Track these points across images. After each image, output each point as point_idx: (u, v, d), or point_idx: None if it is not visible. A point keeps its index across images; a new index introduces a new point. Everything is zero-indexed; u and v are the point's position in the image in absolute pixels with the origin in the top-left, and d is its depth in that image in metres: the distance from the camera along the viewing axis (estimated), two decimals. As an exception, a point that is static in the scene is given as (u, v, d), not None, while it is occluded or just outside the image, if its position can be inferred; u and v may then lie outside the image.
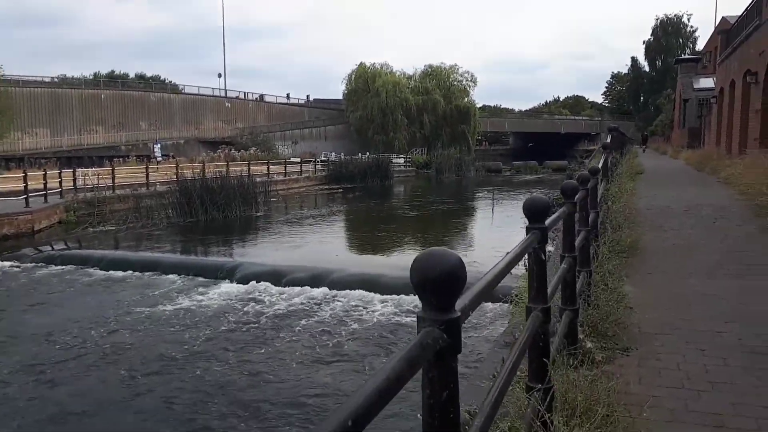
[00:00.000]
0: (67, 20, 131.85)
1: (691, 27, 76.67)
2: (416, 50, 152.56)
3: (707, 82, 37.09)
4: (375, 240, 17.70)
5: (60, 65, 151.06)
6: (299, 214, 24.03)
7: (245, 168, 32.37)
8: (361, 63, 67.02)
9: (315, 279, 12.02)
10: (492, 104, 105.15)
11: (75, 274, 13.13)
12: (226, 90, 67.63)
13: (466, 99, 69.74)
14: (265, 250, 15.83)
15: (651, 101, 74.23)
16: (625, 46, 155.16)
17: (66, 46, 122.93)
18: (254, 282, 12.03)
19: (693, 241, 7.23)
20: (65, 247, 15.58)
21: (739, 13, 20.40)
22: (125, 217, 20.24)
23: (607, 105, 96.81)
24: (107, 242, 17.00)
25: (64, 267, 13.75)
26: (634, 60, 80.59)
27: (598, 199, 6.80)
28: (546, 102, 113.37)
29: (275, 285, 11.89)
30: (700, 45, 66.24)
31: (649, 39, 77.60)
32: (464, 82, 70.06)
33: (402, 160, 55.28)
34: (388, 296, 10.84)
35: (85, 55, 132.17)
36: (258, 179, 31.89)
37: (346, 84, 67.85)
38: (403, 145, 64.43)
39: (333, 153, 55.63)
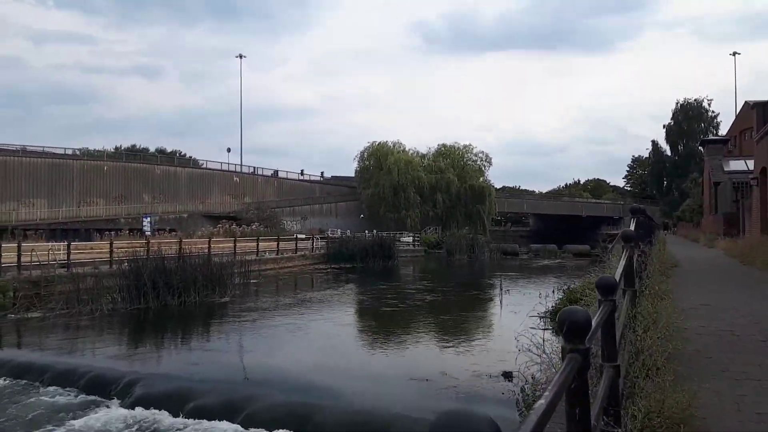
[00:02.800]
0: (102, 98, 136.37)
1: (712, 112, 74.90)
2: (429, 129, 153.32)
3: (739, 164, 34.06)
4: (345, 338, 14.38)
5: (91, 140, 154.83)
6: (274, 300, 20.83)
7: (230, 245, 29.72)
8: (373, 141, 65.94)
9: (229, 408, 8.77)
10: (511, 185, 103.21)
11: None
12: (241, 165, 66.60)
13: (480, 179, 67.66)
14: (195, 353, 12.63)
15: (675, 185, 71.39)
16: (643, 132, 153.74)
17: (99, 122, 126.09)
18: (144, 408, 8.82)
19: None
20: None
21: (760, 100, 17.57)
22: (66, 300, 17.32)
23: (629, 189, 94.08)
24: (10, 335, 13.99)
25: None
26: (655, 144, 78.51)
27: (619, 339, 3.67)
28: (566, 184, 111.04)
29: (173, 414, 8.67)
30: (723, 130, 64.09)
31: (670, 123, 75.86)
32: (479, 162, 68.30)
33: (411, 239, 52.29)
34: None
35: (115, 130, 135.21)
36: (249, 257, 29.25)
37: (358, 161, 66.58)
38: (415, 223, 61.94)
39: (339, 230, 53.07)
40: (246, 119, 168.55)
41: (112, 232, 41.88)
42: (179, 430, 8.09)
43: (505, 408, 7.59)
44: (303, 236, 43.89)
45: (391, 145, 66.24)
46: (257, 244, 31.65)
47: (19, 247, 19.70)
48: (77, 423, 8.31)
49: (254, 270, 26.49)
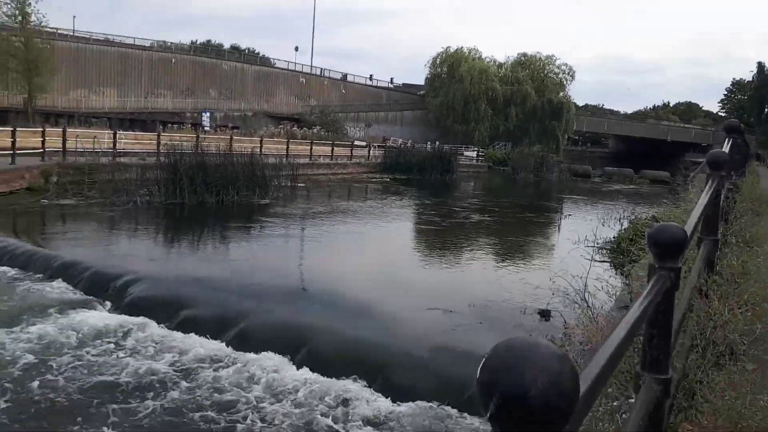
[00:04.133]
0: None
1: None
2: (510, 39, 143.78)
3: None
4: (373, 252, 13.24)
5: (172, 34, 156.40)
6: (315, 205, 19.90)
7: (283, 147, 28.85)
8: (447, 47, 61.96)
9: (220, 323, 7.87)
10: (593, 103, 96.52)
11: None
12: (311, 66, 64.68)
13: (561, 93, 62.96)
14: (209, 255, 11.88)
15: (778, 113, 64.11)
16: (750, 55, 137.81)
17: (176, 17, 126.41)
18: (133, 315, 8.07)
19: None
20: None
21: None
22: (101, 189, 17.04)
23: (723, 115, 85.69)
24: (35, 221, 13.71)
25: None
26: (761, 66, 69.84)
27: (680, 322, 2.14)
28: (654, 106, 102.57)
29: (159, 323, 7.86)
30: None
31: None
32: (560, 75, 63.23)
33: (474, 154, 49.90)
34: (322, 379, 6.49)
35: (195, 26, 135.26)
36: (302, 161, 28.44)
37: (429, 68, 63.15)
38: (483, 137, 59.07)
39: (400, 139, 51.31)
40: (322, 21, 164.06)
41: (175, 125, 42.08)
42: (156, 343, 7.27)
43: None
44: (363, 143, 42.61)
45: (467, 52, 62.12)
46: (311, 148, 30.61)
47: (64, 132, 19.45)
48: (61, 321, 7.67)
49: (303, 174, 25.63)
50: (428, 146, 42.81)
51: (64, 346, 6.93)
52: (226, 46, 76.17)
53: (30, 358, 6.54)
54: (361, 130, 60.05)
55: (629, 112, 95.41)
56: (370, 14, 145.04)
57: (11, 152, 16.84)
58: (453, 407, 6.04)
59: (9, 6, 34.44)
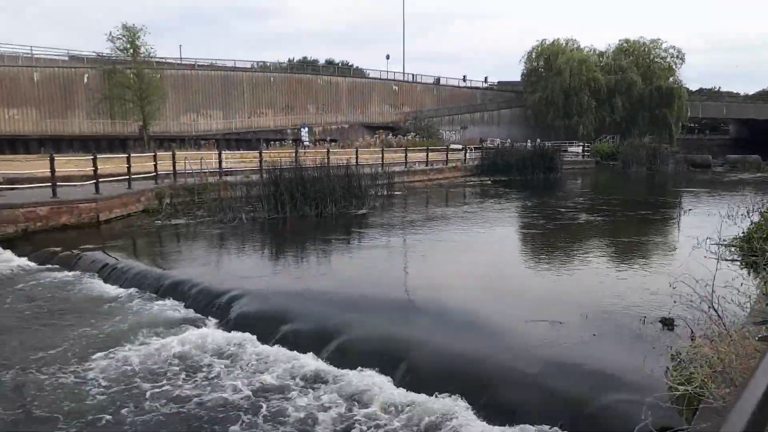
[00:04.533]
0: (277, 12, 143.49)
1: None
2: (611, 26, 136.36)
3: None
4: (475, 260, 12.70)
5: (268, 53, 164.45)
6: (412, 213, 19.63)
7: (377, 155, 28.96)
8: (543, 39, 59.86)
9: (319, 337, 7.76)
10: (707, 87, 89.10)
11: (66, 285, 10.55)
12: (403, 73, 65.03)
13: (670, 79, 58.79)
14: (310, 267, 11.90)
15: None
16: None
17: (274, 36, 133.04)
18: (236, 331, 8.17)
19: None
20: (94, 246, 13.26)
21: None
22: (209, 208, 17.87)
23: None
24: (151, 241, 14.50)
25: (68, 273, 11.37)
26: None
27: None
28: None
29: (261, 340, 7.88)
30: None
31: None
32: (668, 59, 59.08)
33: (579, 149, 47.56)
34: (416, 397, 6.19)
35: (287, 43, 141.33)
36: (397, 168, 28.45)
37: (525, 63, 61.36)
38: (588, 131, 56.42)
39: (498, 139, 50.07)
40: (412, 26, 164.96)
41: (277, 142, 43.79)
42: (257, 359, 7.26)
43: (649, 378, 5.48)
44: (459, 146, 42.03)
45: (564, 43, 59.73)
46: (405, 155, 30.52)
47: (173, 156, 20.63)
48: (168, 339, 7.90)
49: (399, 182, 25.56)
50: (528, 144, 41.39)
51: (169, 363, 7.10)
52: (322, 60, 78.70)
53: (139, 375, 6.75)
54: (456, 133, 59.42)
55: (750, 93, 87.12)
56: (460, 14, 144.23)
57: (127, 177, 18.09)
58: (565, 430, 5.47)
59: (121, 41, 37.47)
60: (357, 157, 26.41)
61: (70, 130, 43.47)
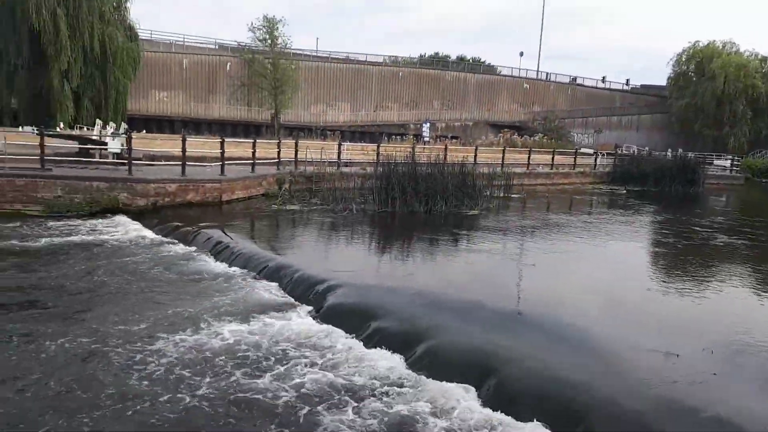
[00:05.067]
0: (413, 8, 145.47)
1: None
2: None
3: None
4: (602, 272, 11.66)
5: (400, 47, 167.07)
6: (531, 218, 18.64)
7: (498, 156, 28.02)
8: (695, 41, 54.90)
9: (407, 338, 7.44)
10: None
11: (178, 259, 11.15)
12: (537, 71, 62.81)
13: None
14: (411, 264, 11.59)
15: None
16: None
17: (409, 31, 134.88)
18: (325, 322, 8.08)
19: None
20: (212, 224, 13.92)
21: None
22: (322, 197, 18.25)
23: None
24: (264, 223, 14.99)
25: (184, 247, 12.04)
26: None
27: None
28: None
29: (347, 333, 7.73)
30: None
31: None
32: None
33: (728, 163, 42.95)
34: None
35: (422, 38, 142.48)
36: (518, 170, 27.45)
37: (673, 66, 56.74)
38: (740, 143, 51.15)
39: (635, 146, 46.63)
40: (551, 23, 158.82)
41: (398, 137, 44.05)
42: (343, 354, 7.09)
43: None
44: (590, 151, 39.71)
45: (720, 46, 54.40)
46: (528, 156, 29.25)
47: (296, 144, 21.33)
48: (260, 324, 7.97)
49: (518, 184, 24.53)
50: (668, 154, 38.09)
51: (255, 349, 7.13)
52: (453, 56, 78.07)
53: (230, 357, 6.84)
54: (589, 137, 56.38)
55: None
56: (601, 11, 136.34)
57: (252, 162, 18.94)
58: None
59: (261, 31, 39.58)
60: (476, 156, 25.72)
61: (211, 113, 46.89)
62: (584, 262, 12.77)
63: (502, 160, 26.87)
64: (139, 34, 38.10)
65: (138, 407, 5.60)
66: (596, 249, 14.52)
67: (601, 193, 28.15)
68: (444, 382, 6.41)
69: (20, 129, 22.21)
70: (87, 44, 31.68)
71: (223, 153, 17.09)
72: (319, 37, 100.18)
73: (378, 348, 7.27)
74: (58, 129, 26.87)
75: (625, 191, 29.06)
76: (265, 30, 39.66)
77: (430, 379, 6.50)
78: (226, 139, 18.55)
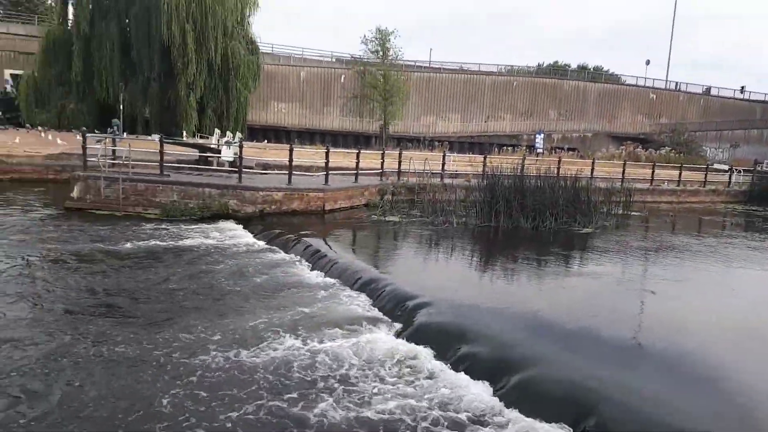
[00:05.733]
0: (532, 17, 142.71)
1: None
2: None
3: None
4: (735, 301, 10.23)
5: (517, 56, 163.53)
6: (654, 240, 16.99)
7: (619, 170, 26.12)
8: None
9: (497, 367, 6.81)
10: None
11: (275, 266, 11.24)
12: (666, 81, 58.53)
13: None
14: (514, 286, 10.82)
15: None
16: None
17: (526, 41, 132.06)
18: (414, 342, 7.64)
19: None
20: (313, 233, 13.96)
21: None
22: (422, 209, 17.87)
23: None
24: (363, 234, 14.81)
25: (284, 255, 12.17)
26: None
27: None
28: None
29: (436, 355, 7.25)
30: None
31: None
32: None
33: None
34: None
35: (542, 46, 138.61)
36: (641, 186, 25.50)
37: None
38: None
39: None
40: (682, 30, 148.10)
41: (510, 148, 42.70)
42: (426, 378, 6.62)
43: None
44: (724, 167, 36.09)
45: None
46: (652, 171, 26.99)
47: (399, 155, 21.15)
48: (346, 339, 7.72)
49: (640, 201, 22.65)
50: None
51: (341, 366, 6.86)
52: (573, 65, 74.86)
53: (302, 368, 6.62)
54: (724, 152, 51.53)
55: None
56: (734, 16, 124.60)
57: (355, 172, 19.01)
58: None
59: (373, 43, 40.14)
60: (593, 169, 24.13)
61: (324, 124, 48.34)
62: (714, 291, 11.30)
63: (623, 175, 25.00)
64: (261, 47, 40.08)
65: (234, 405, 5.48)
66: (728, 277, 12.85)
67: (735, 214, 25.32)
68: (537, 420, 5.75)
69: (150, 137, 24.03)
70: (211, 57, 33.76)
71: (327, 163, 17.28)
72: (438, 48, 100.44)
73: (466, 374, 6.73)
74: (183, 137, 28.81)
75: (762, 212, 25.94)
76: (377, 42, 40.32)
77: (522, 414, 5.87)
78: (332, 149, 18.76)
